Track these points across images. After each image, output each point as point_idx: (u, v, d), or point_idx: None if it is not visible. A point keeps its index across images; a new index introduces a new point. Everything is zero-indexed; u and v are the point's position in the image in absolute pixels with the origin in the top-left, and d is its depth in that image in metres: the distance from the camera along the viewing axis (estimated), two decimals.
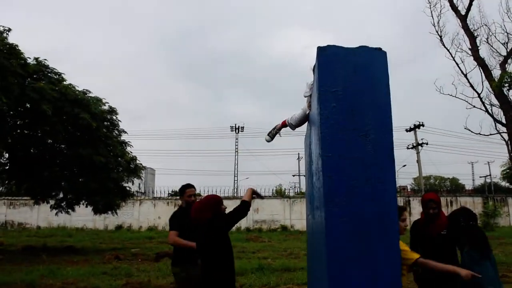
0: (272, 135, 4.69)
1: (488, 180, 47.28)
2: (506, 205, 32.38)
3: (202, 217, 3.84)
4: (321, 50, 2.49)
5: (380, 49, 2.53)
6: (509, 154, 27.45)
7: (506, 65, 10.53)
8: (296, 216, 30.12)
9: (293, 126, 4.45)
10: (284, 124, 4.59)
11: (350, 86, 2.45)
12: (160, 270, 11.42)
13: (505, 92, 10.04)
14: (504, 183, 44.10)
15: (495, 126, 25.93)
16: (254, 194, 4.26)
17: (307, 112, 4.00)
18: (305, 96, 3.83)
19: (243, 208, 3.90)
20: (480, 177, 52.47)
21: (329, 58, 2.47)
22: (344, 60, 2.48)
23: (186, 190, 5.23)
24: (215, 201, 3.98)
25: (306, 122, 4.30)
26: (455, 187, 45.78)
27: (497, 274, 3.27)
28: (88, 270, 11.21)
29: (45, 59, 16.10)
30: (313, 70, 2.82)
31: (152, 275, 10.62)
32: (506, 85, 9.94)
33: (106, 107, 17.70)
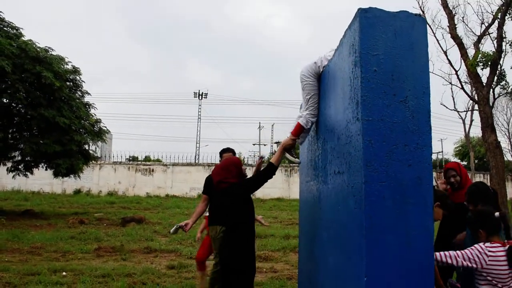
0: (293, 153, 3.88)
1: (440, 156, 49.65)
2: None
3: (220, 180, 3.61)
4: (363, 12, 2.42)
5: (419, 15, 2.51)
6: (465, 131, 28.78)
7: (480, 45, 10.91)
8: None
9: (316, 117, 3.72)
10: (296, 133, 3.73)
11: (391, 50, 2.42)
12: (130, 235, 11.27)
13: (479, 71, 10.43)
14: (455, 159, 46.42)
15: (454, 105, 27.02)
16: (287, 152, 3.72)
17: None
18: (318, 65, 3.63)
19: (267, 172, 3.57)
20: (433, 153, 55.03)
21: (371, 20, 2.42)
22: (386, 23, 2.43)
23: (223, 154, 5.16)
24: (233, 164, 3.72)
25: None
26: None
27: None
28: (54, 234, 10.90)
29: (0, 11, 15.03)
30: (346, 31, 2.74)
31: (123, 239, 10.48)
32: (481, 64, 10.33)
33: (69, 67, 16.87)
